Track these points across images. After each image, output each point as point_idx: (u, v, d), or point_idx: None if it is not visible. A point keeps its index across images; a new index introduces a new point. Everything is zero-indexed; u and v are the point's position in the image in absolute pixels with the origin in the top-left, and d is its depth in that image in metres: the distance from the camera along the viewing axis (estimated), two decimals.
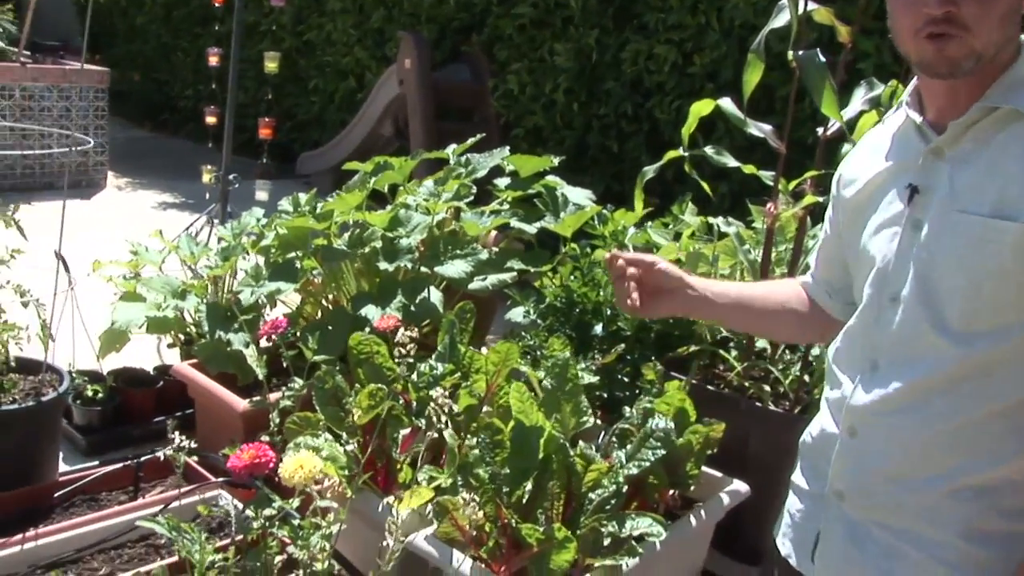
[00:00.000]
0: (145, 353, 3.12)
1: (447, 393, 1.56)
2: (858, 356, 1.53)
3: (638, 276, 1.67)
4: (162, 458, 1.76)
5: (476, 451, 1.97)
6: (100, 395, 2.68)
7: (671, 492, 2.24)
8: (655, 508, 2.17)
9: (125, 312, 2.65)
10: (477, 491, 1.89)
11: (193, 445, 2.75)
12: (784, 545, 1.74)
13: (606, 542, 1.85)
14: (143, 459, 2.29)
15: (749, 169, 2.60)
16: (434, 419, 1.55)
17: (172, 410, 2.80)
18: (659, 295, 1.69)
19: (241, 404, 2.49)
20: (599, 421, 2.33)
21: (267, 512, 1.83)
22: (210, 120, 5.28)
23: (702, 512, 2.16)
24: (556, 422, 2.10)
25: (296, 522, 1.82)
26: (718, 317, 1.79)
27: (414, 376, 2.31)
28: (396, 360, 1.77)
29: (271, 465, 1.82)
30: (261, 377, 2.34)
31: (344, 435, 2.23)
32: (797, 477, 1.74)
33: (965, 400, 1.38)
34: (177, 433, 1.76)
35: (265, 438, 2.41)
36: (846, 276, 1.65)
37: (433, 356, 2.38)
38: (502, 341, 2.32)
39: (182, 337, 2.92)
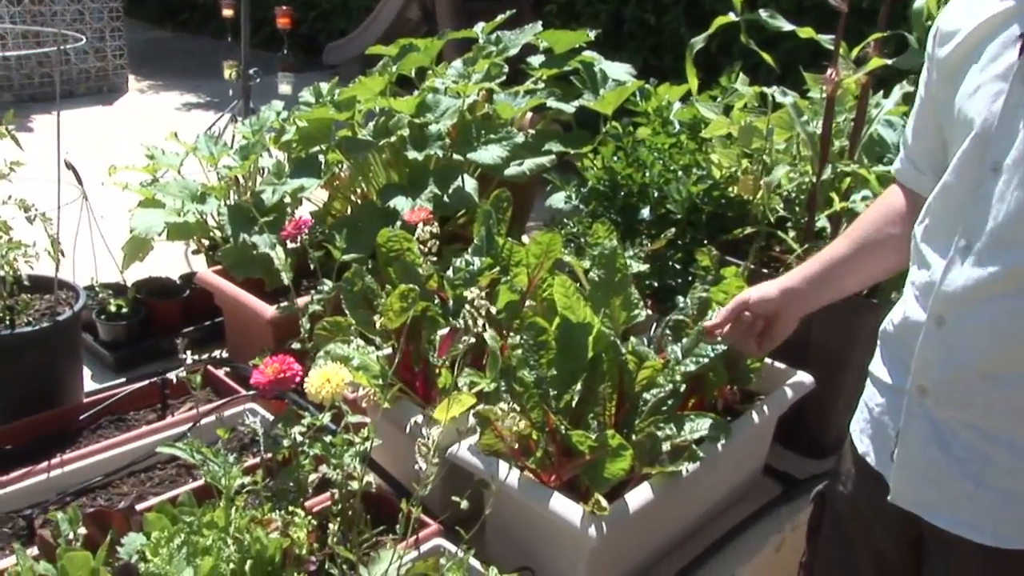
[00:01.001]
0: (172, 261, 2.98)
1: (483, 294, 1.38)
2: (949, 235, 1.34)
3: (746, 322, 1.75)
4: (175, 380, 1.60)
5: (519, 351, 1.80)
6: (124, 309, 2.55)
7: (729, 387, 2.08)
8: (713, 405, 2.01)
9: (143, 219, 2.49)
10: (522, 397, 1.74)
11: (224, 355, 2.66)
12: (862, 442, 1.59)
13: (665, 447, 1.69)
14: (167, 376, 2.16)
15: (806, 32, 2.32)
16: (471, 323, 1.37)
17: (200, 319, 2.67)
18: (776, 321, 1.72)
19: (269, 311, 2.34)
20: (649, 312, 2.14)
21: (297, 429, 1.69)
22: (227, 13, 5.01)
23: (765, 408, 2.00)
24: (605, 317, 1.92)
25: (328, 439, 1.68)
26: (837, 293, 1.77)
27: (449, 272, 2.15)
28: (421, 257, 1.59)
29: (297, 379, 1.67)
30: (287, 282, 2.18)
31: (377, 339, 2.09)
32: (877, 367, 1.57)
33: None
34: (189, 353, 1.60)
35: (296, 345, 2.28)
36: (943, 148, 1.42)
37: (469, 250, 2.21)
38: (543, 231, 2.13)
39: (206, 243, 2.77)
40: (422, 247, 1.58)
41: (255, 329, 2.38)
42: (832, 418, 2.31)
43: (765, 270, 2.31)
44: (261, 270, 2.52)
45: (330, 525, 1.70)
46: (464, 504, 1.49)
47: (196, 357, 1.66)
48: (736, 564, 1.96)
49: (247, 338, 2.46)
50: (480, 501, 1.85)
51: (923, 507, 1.45)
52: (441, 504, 1.67)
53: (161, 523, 1.51)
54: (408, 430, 1.33)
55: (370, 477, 1.77)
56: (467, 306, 1.36)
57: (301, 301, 2.34)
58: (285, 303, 2.33)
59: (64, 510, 1.50)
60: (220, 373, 2.25)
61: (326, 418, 1.69)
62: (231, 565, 1.48)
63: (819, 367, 2.17)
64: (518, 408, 1.65)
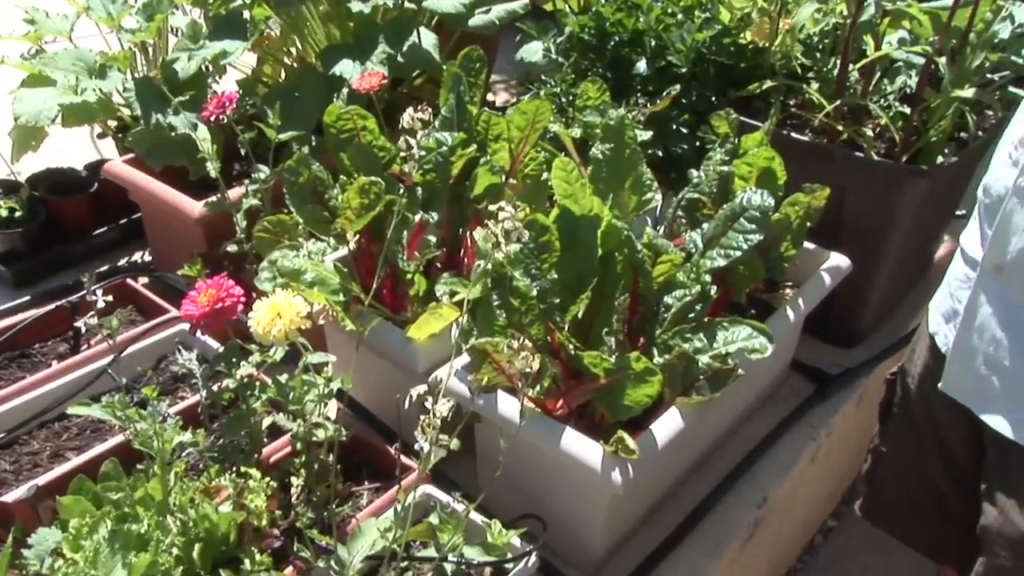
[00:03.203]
0: (75, 146, 2.61)
1: (517, 212, 1.08)
2: None
3: None
4: (84, 329, 1.30)
5: (511, 247, 1.50)
6: (18, 212, 2.19)
7: None
8: (737, 302, 1.76)
9: (30, 102, 2.10)
10: (519, 311, 1.46)
11: (147, 258, 2.34)
12: (934, 319, 1.51)
13: (700, 360, 1.44)
14: (76, 299, 1.84)
15: None
16: (494, 251, 1.08)
17: (115, 216, 2.33)
18: None
19: (196, 208, 2.01)
20: None
21: (244, 370, 1.41)
22: None
23: (800, 301, 1.75)
24: (613, 204, 1.64)
25: (284, 377, 1.41)
26: None
27: (415, 152, 1.82)
28: (402, 153, 1.28)
29: (240, 307, 1.38)
30: (214, 174, 1.85)
31: (331, 240, 1.79)
32: (965, 236, 1.45)
33: None
34: (100, 293, 1.29)
35: (231, 247, 1.98)
36: None
37: (436, 123, 1.88)
38: (528, 98, 1.81)
39: (114, 124, 2.39)
40: (408, 140, 1.25)
41: (181, 230, 2.06)
42: (866, 304, 2.10)
43: (786, 131, 2.03)
44: (183, 155, 2.17)
45: (293, 480, 1.46)
46: (455, 444, 1.23)
47: (103, 296, 1.34)
48: (768, 483, 1.77)
49: (172, 240, 2.13)
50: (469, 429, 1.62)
51: (976, 400, 1.38)
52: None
53: (80, 507, 1.24)
54: (408, 401, 1.05)
55: (333, 407, 1.51)
56: (489, 224, 1.06)
57: (234, 194, 2.01)
58: (214, 198, 2.00)
59: None
60: (141, 286, 1.95)
61: (279, 353, 1.41)
62: (175, 551, 1.23)
63: (852, 246, 1.92)
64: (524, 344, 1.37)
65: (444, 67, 1.91)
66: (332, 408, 1.46)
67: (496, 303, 1.48)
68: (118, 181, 2.16)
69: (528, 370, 1.11)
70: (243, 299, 1.38)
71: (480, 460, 1.66)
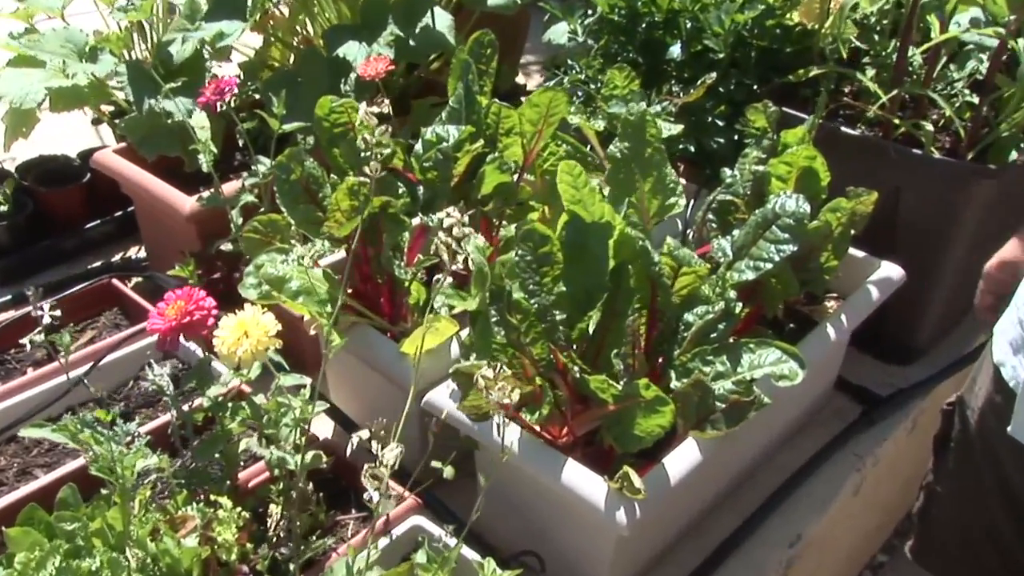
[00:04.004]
0: (72, 132, 2.60)
1: (464, 218, 1.03)
2: None
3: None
4: (29, 345, 1.27)
5: (512, 255, 1.45)
6: (3, 204, 2.18)
7: None
8: (774, 316, 1.68)
9: (15, 84, 2.08)
10: (519, 328, 1.41)
11: (142, 253, 2.32)
12: (1000, 348, 1.39)
13: (720, 387, 1.37)
14: (58, 299, 1.82)
15: None
16: (447, 259, 1.03)
17: (110, 208, 2.31)
18: None
19: (187, 204, 1.98)
20: (683, 181, 1.77)
21: (216, 389, 1.37)
22: None
23: (843, 318, 1.67)
24: (631, 208, 1.57)
25: (260, 398, 1.38)
26: None
27: (417, 146, 1.78)
28: (365, 148, 1.23)
29: (210, 321, 1.34)
30: (206, 168, 1.82)
31: (325, 243, 1.75)
32: None
33: None
34: (47, 307, 1.25)
35: (226, 246, 1.95)
36: None
37: (443, 115, 1.83)
38: (553, 84, 1.75)
39: (110, 109, 2.37)
40: (367, 139, 1.20)
41: (173, 226, 2.04)
42: (923, 317, 2.01)
43: (838, 123, 1.95)
44: (179, 145, 2.14)
45: (272, 508, 1.42)
46: (448, 472, 1.19)
47: (55, 312, 1.31)
48: (804, 519, 1.69)
49: (165, 236, 2.11)
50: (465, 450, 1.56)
51: None
52: (418, 458, 1.33)
53: (30, 539, 1.21)
54: (351, 448, 1.01)
55: (324, 420, 1.46)
56: (441, 235, 1.01)
57: (229, 188, 1.98)
58: (207, 193, 1.97)
59: None
60: (128, 287, 1.93)
61: (255, 371, 1.37)
62: None
63: (909, 253, 1.84)
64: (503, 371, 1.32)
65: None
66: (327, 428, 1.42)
67: (494, 319, 1.43)
68: (107, 172, 2.14)
69: (507, 401, 1.06)
70: (215, 311, 1.35)
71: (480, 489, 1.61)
